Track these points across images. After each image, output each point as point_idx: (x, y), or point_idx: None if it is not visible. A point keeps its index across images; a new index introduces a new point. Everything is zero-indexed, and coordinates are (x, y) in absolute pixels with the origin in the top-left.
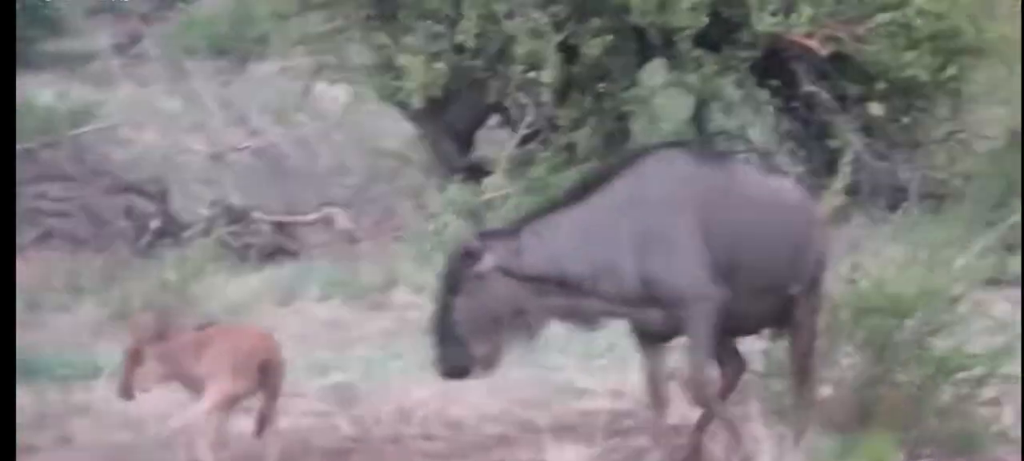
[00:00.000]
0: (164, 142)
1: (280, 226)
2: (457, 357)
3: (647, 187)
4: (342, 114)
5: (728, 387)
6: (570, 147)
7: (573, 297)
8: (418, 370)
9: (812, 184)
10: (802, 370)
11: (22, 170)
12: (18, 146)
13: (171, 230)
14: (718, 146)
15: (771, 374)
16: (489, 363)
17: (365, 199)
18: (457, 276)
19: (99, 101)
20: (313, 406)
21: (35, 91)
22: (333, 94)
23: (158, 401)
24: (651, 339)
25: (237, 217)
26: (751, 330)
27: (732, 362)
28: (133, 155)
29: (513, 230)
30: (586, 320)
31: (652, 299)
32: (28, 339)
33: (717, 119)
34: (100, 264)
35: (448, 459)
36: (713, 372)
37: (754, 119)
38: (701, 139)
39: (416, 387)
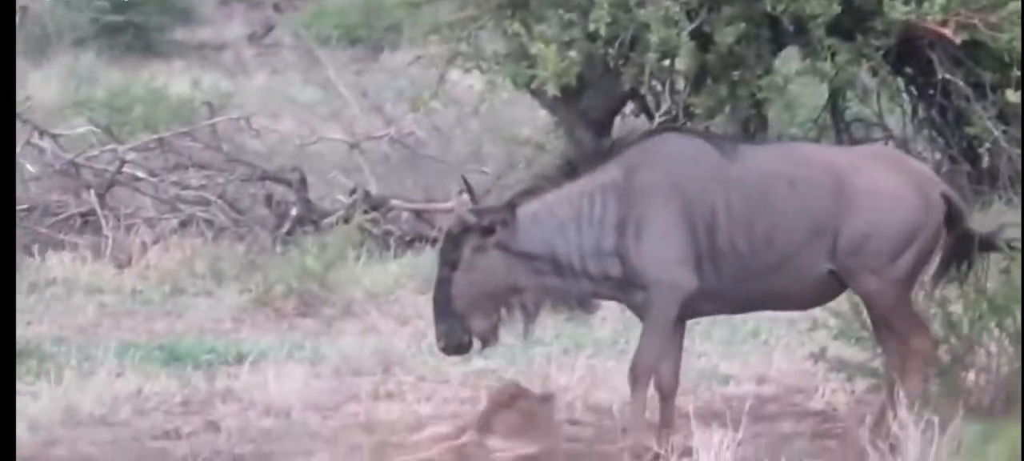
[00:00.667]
0: (300, 131)
1: (419, 213)
2: (456, 332)
3: (635, 171)
4: (477, 102)
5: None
6: None
7: (565, 278)
8: (561, 355)
9: (951, 171)
10: (900, 334)
11: (161, 158)
12: (153, 135)
13: (310, 218)
14: (854, 132)
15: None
16: (487, 339)
17: (502, 187)
18: (456, 251)
19: (233, 90)
20: (457, 392)
21: (168, 80)
22: (468, 82)
23: (303, 387)
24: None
25: (376, 205)
26: (775, 307)
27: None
28: (269, 144)
29: (508, 206)
30: (578, 302)
31: (629, 281)
32: (171, 325)
33: (853, 107)
34: (241, 251)
35: (594, 444)
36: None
37: (890, 106)
38: (837, 127)
39: (559, 372)
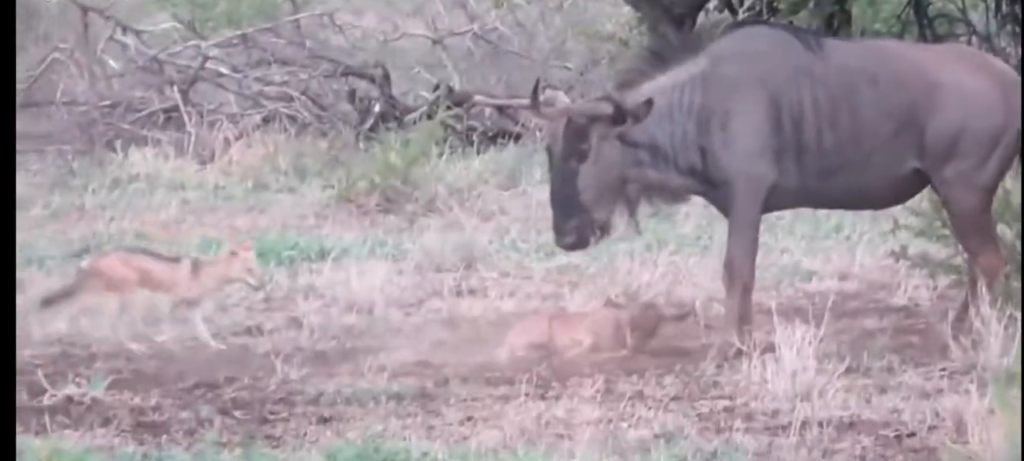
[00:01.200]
0: (383, 26)
1: (501, 109)
2: (585, 226)
3: (721, 63)
4: None
5: None
6: None
7: (661, 169)
8: (644, 251)
9: None
10: (970, 247)
11: (244, 54)
12: (237, 31)
13: (393, 114)
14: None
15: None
16: (606, 230)
17: (586, 83)
18: (583, 142)
19: None
20: (540, 288)
21: None
22: None
23: (385, 284)
24: None
25: (459, 101)
26: (856, 204)
27: None
28: (352, 40)
29: (648, 102)
30: (672, 195)
31: (709, 176)
32: (254, 221)
33: (937, 2)
34: (324, 147)
35: (677, 340)
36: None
37: (974, 2)
38: (920, 23)
39: (641, 269)
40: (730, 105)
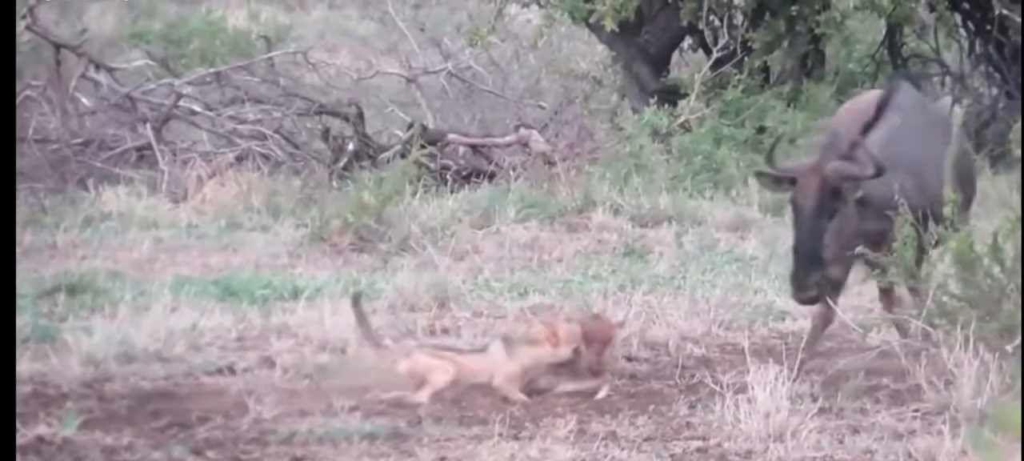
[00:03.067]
0: (358, 65)
1: (476, 148)
2: (823, 283)
3: (908, 116)
4: (535, 37)
5: None
6: (764, 70)
7: (880, 220)
8: (618, 290)
9: (1007, 106)
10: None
11: (217, 92)
12: (210, 68)
13: (367, 152)
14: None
15: (973, 300)
16: (839, 287)
17: (560, 121)
18: (835, 201)
19: (290, 24)
20: (513, 328)
21: (225, 13)
22: (526, 16)
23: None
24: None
25: (433, 139)
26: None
27: None
28: (327, 78)
29: (880, 167)
30: (883, 242)
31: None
32: (227, 260)
33: (910, 43)
34: (297, 186)
35: (650, 380)
36: None
37: (947, 42)
38: (894, 63)
39: (615, 308)
40: (933, 155)
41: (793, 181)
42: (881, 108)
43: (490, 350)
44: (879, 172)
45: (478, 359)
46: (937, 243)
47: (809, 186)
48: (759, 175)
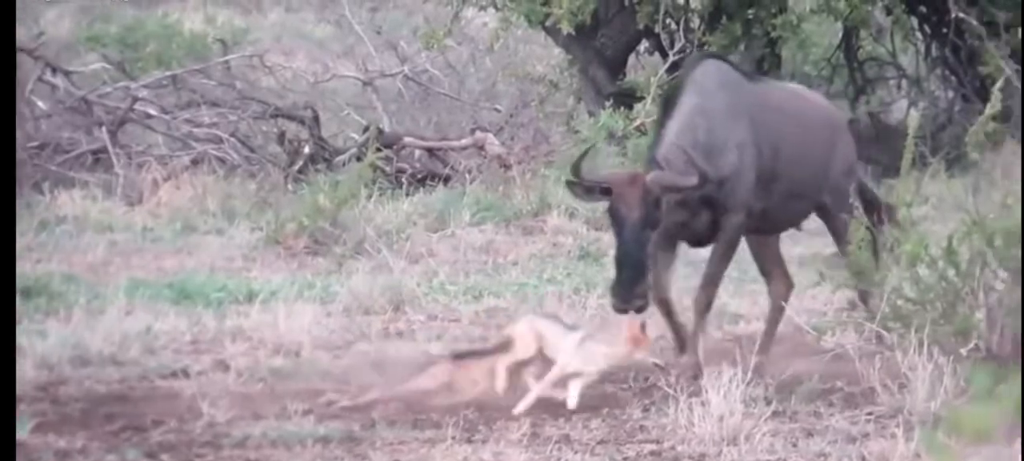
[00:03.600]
0: (314, 68)
1: (431, 151)
2: (646, 291)
3: (710, 97)
4: (491, 40)
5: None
6: None
7: (687, 210)
8: (573, 293)
9: (963, 109)
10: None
11: (173, 96)
12: (166, 72)
13: (323, 156)
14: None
15: (927, 302)
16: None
17: (515, 124)
18: (657, 210)
19: (247, 27)
20: (468, 330)
21: (182, 16)
22: (482, 20)
23: (313, 326)
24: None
25: (388, 142)
26: (779, 231)
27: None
28: (283, 81)
29: (701, 164)
30: (693, 235)
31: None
32: (182, 263)
33: (867, 46)
34: (253, 189)
35: (603, 384)
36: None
37: (904, 45)
38: (850, 66)
39: (570, 311)
40: (731, 136)
41: (607, 191)
42: (677, 93)
43: (572, 335)
44: (703, 181)
45: (561, 337)
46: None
47: (629, 197)
48: (569, 185)
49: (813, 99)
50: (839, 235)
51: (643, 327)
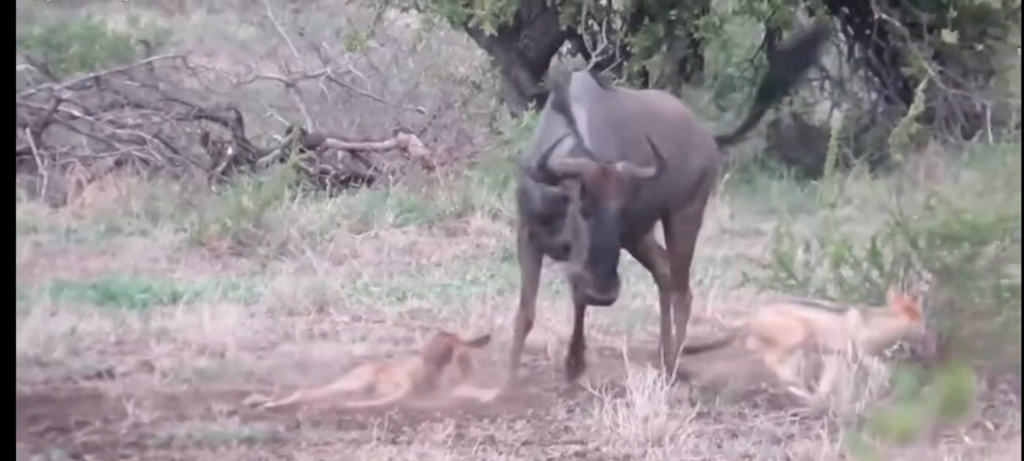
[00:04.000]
0: (237, 69)
1: (354, 153)
2: (619, 279)
3: (597, 104)
4: (414, 41)
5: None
6: (643, 74)
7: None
8: (496, 295)
9: (886, 111)
10: (678, 280)
11: (97, 97)
12: (90, 73)
13: (246, 157)
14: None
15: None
16: None
17: (438, 126)
18: (630, 197)
19: (170, 28)
20: (392, 332)
21: (105, 18)
22: (405, 21)
23: (238, 327)
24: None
25: (312, 143)
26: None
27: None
28: (206, 82)
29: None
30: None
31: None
32: (106, 265)
33: None
34: (176, 190)
35: (528, 385)
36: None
37: (827, 46)
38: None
39: (494, 312)
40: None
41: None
42: (567, 107)
43: (847, 314)
44: (661, 171)
45: (834, 320)
46: None
47: (606, 186)
48: (540, 169)
49: (670, 105)
50: (672, 236)
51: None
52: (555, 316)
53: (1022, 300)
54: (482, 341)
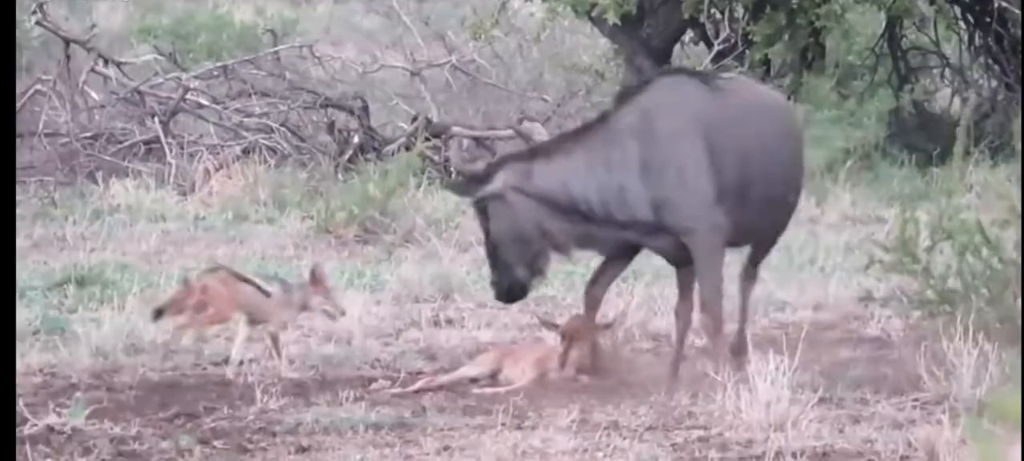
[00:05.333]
0: (363, 58)
1: (479, 141)
2: (506, 279)
3: (655, 114)
4: (538, 30)
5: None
6: (765, 63)
7: (588, 223)
8: (620, 282)
9: (1007, 98)
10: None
11: (224, 86)
12: (217, 62)
13: (372, 145)
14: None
15: (972, 290)
16: (529, 282)
17: (562, 114)
18: (480, 202)
19: (296, 17)
20: (517, 318)
21: (232, 8)
22: (529, 10)
23: (364, 314)
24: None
25: (437, 132)
26: (772, 240)
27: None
28: (332, 71)
29: (525, 153)
30: (602, 246)
31: (663, 226)
32: (233, 252)
33: (910, 35)
34: (303, 178)
35: (652, 370)
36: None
37: (947, 34)
38: (894, 55)
39: (617, 299)
40: (678, 156)
41: None
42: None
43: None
44: (474, 175)
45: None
46: None
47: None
48: None
49: (767, 94)
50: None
51: None
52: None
53: (1022, 297)
54: (610, 325)
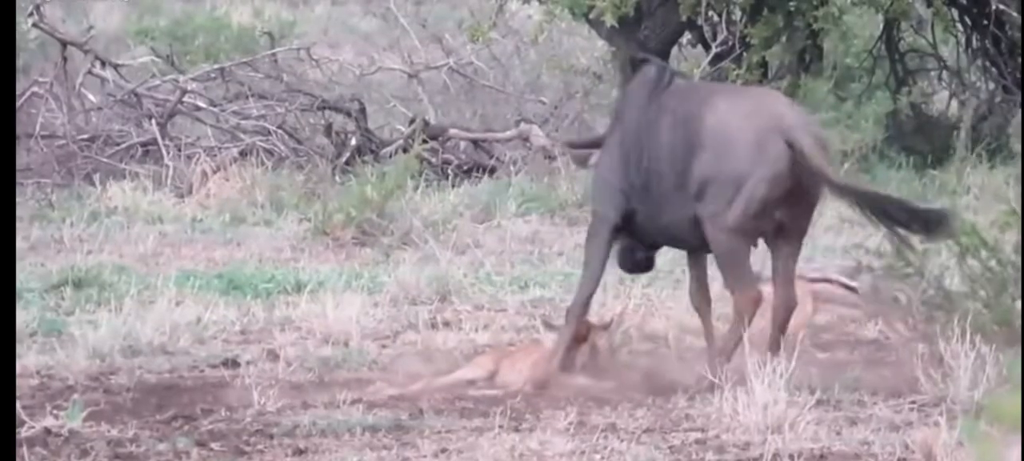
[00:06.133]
0: (360, 61)
1: (477, 143)
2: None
3: (626, 103)
4: (535, 32)
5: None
6: (763, 65)
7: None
8: (618, 283)
9: (1004, 101)
10: (727, 285)
11: (221, 88)
12: (215, 64)
13: (369, 147)
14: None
15: (970, 293)
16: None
17: (560, 116)
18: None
19: (294, 20)
20: (514, 320)
21: (230, 9)
22: (526, 12)
23: (361, 316)
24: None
25: (434, 134)
26: (681, 243)
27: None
28: (329, 74)
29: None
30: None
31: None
32: (231, 254)
33: (908, 37)
34: (300, 180)
35: (648, 372)
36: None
37: (945, 37)
38: (891, 58)
39: (615, 301)
40: (607, 143)
41: None
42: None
43: None
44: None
45: None
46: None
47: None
48: None
49: (688, 96)
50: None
51: None
52: (676, 305)
53: (1022, 293)
54: (608, 325)
